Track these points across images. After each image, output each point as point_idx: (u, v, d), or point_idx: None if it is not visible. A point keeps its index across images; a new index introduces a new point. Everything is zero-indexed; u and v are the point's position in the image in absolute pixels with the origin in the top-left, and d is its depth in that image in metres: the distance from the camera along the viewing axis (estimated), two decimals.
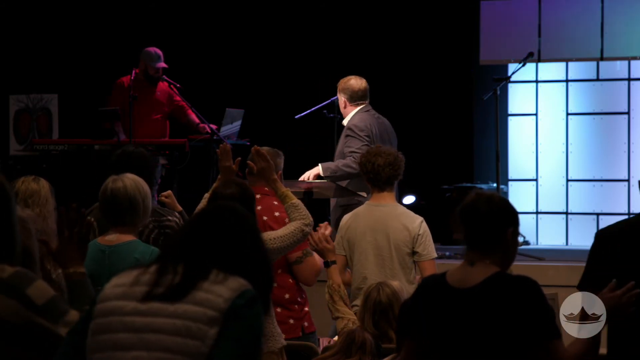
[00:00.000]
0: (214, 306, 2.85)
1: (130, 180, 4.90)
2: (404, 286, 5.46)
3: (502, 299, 3.62)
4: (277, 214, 5.96)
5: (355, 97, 7.98)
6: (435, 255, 6.20)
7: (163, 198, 6.20)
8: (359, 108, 7.97)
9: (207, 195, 5.39)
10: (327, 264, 5.84)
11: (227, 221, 3.03)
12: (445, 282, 3.73)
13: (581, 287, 4.20)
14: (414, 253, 6.13)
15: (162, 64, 9.84)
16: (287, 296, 6.05)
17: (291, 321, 6.06)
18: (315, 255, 6.03)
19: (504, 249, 3.74)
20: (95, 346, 2.93)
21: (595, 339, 3.89)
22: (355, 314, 5.58)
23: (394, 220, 6.16)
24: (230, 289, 2.88)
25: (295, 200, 5.40)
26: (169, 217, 5.57)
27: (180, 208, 6.09)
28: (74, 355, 2.99)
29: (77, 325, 3.07)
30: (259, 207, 5.77)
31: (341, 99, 8.05)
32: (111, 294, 2.97)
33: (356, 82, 7.98)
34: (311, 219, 5.38)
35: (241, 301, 2.87)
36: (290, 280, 6.09)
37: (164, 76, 9.81)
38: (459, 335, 3.65)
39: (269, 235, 5.24)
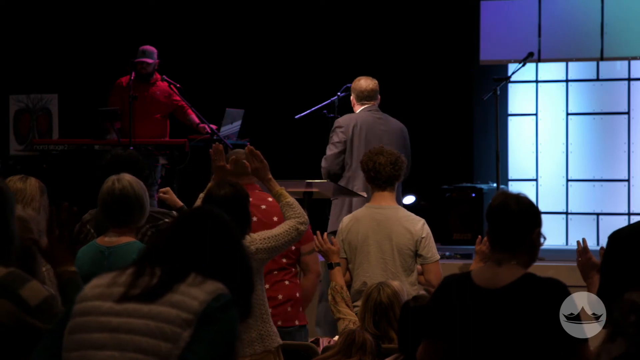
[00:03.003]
0: (188, 309, 2.86)
1: (133, 180, 4.90)
2: (405, 288, 5.46)
3: (533, 301, 3.61)
4: None
5: (361, 97, 8.08)
6: (438, 257, 6.23)
7: (162, 194, 6.19)
8: (363, 107, 8.05)
9: (202, 195, 5.39)
10: (330, 266, 5.86)
11: (206, 226, 3.03)
12: (471, 282, 3.71)
13: (601, 293, 4.18)
14: (417, 256, 6.14)
15: (144, 59, 9.79)
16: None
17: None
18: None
19: (530, 250, 3.75)
20: (71, 345, 2.94)
21: None
22: (356, 314, 5.59)
23: (396, 224, 6.16)
24: (205, 292, 2.89)
25: (290, 199, 5.39)
26: (165, 220, 5.55)
27: (180, 204, 6.09)
28: (50, 354, 2.98)
29: (55, 325, 3.07)
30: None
31: (352, 97, 8.14)
32: (89, 294, 2.98)
33: (365, 82, 8.10)
34: (306, 217, 5.37)
35: (216, 304, 2.87)
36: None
37: (164, 76, 9.80)
38: (488, 335, 3.63)
39: (263, 235, 5.23)
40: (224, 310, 2.88)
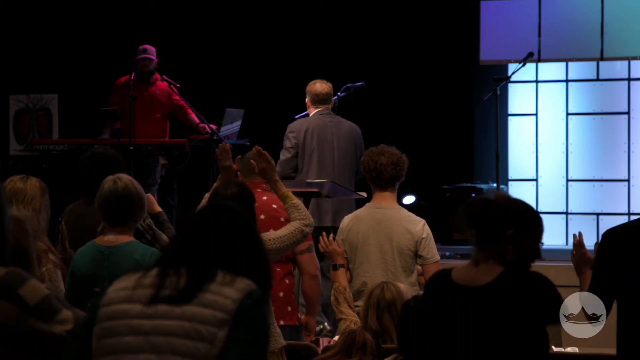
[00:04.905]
0: (222, 308, 2.84)
1: (133, 179, 4.90)
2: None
3: (512, 297, 3.60)
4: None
5: (316, 100, 8.31)
6: (438, 257, 6.23)
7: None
8: (316, 111, 8.26)
9: (207, 195, 5.39)
10: (335, 267, 5.87)
11: (224, 220, 3.01)
12: (451, 280, 3.71)
13: (592, 290, 4.18)
14: (417, 256, 6.15)
15: (147, 56, 9.80)
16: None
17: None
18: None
19: (512, 249, 3.74)
20: (102, 350, 2.91)
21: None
22: (357, 314, 5.60)
23: (396, 224, 6.17)
24: (237, 290, 2.87)
25: (296, 201, 5.40)
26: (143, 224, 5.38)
27: (158, 209, 5.75)
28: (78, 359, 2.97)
29: (79, 330, 3.06)
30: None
31: (307, 99, 8.37)
32: (115, 298, 2.95)
33: (320, 86, 8.32)
34: (311, 219, 5.38)
35: (249, 302, 2.86)
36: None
37: (164, 76, 9.80)
38: (470, 334, 3.64)
39: (268, 236, 5.24)
40: (256, 306, 2.87)
